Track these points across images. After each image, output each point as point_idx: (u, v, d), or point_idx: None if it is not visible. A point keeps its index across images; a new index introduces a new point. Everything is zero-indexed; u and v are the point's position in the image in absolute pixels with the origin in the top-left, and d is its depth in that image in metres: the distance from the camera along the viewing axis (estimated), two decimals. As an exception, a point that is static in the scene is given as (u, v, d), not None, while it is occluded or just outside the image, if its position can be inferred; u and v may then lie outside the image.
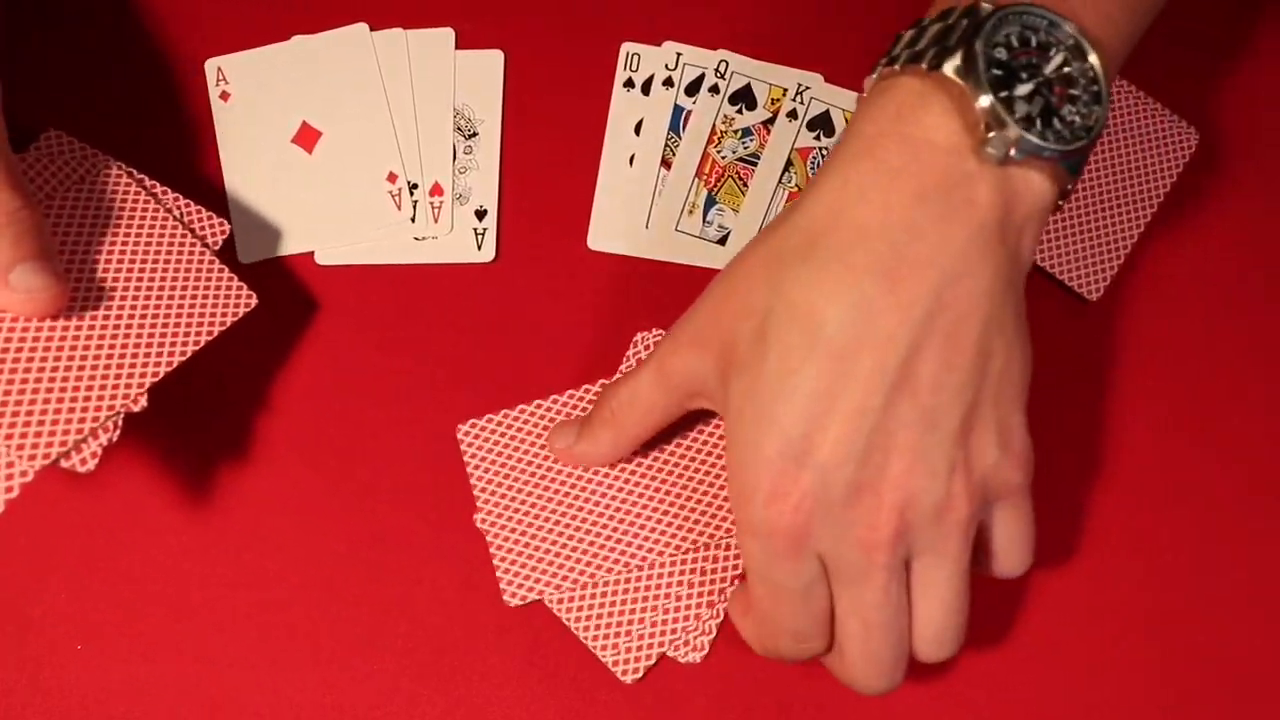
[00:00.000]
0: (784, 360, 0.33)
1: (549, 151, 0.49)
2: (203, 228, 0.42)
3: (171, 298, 0.40)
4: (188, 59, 0.49)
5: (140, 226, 0.41)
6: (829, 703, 0.43)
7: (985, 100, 0.33)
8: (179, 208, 0.42)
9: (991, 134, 0.33)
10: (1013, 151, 0.33)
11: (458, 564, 0.44)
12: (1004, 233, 0.34)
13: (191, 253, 0.41)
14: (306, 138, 0.48)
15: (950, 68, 0.33)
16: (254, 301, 0.41)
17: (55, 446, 0.36)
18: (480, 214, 0.48)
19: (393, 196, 0.47)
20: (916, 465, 0.33)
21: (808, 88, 0.50)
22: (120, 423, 0.37)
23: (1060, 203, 0.36)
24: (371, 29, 0.49)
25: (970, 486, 0.34)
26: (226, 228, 0.43)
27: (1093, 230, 0.48)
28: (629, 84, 0.50)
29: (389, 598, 0.43)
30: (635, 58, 0.50)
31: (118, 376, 0.38)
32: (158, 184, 0.43)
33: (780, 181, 0.49)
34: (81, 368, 0.37)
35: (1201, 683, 0.44)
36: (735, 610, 0.40)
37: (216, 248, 0.43)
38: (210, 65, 0.49)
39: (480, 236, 0.48)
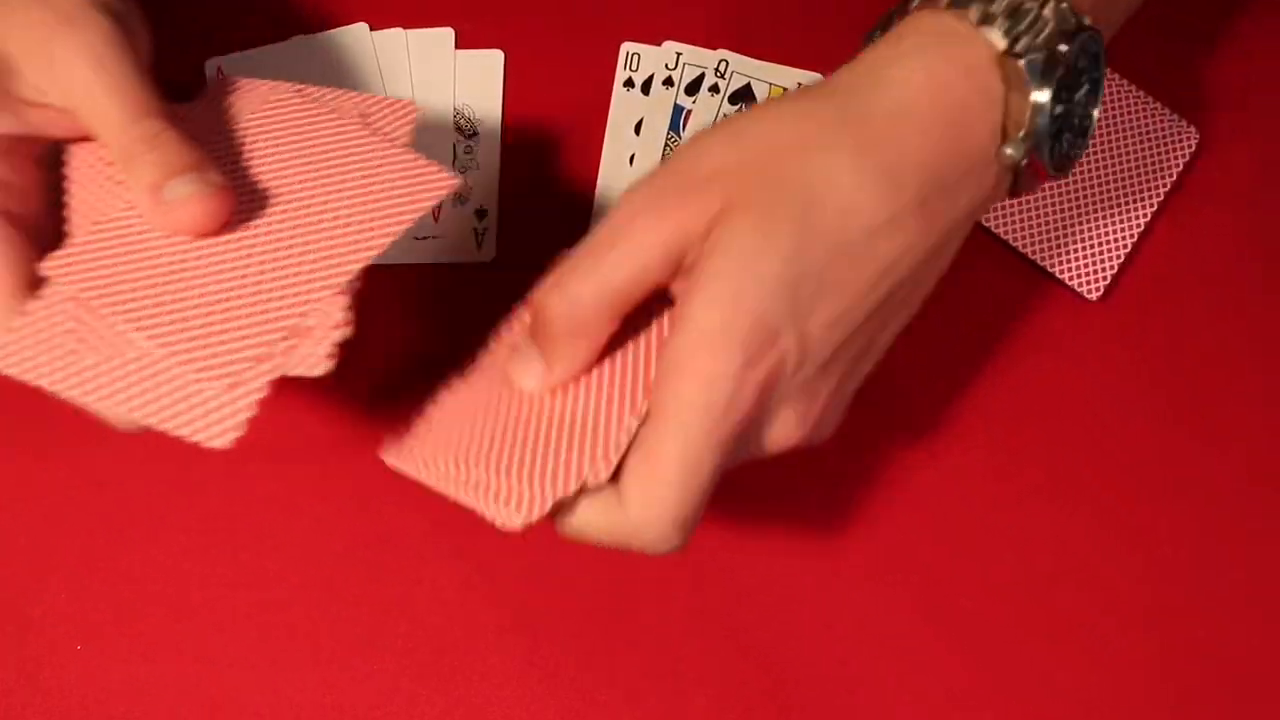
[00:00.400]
0: (807, 229, 0.32)
1: (549, 151, 0.49)
2: (384, 118, 0.40)
3: (361, 193, 0.37)
4: (188, 59, 0.49)
5: (318, 133, 0.39)
6: (829, 703, 0.43)
7: (1044, 114, 0.33)
8: (359, 105, 0.40)
9: (1024, 139, 0.34)
10: (1024, 161, 0.34)
11: (458, 564, 0.44)
12: (973, 220, 0.36)
13: (374, 148, 0.38)
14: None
15: (1028, 64, 0.33)
16: (454, 181, 0.37)
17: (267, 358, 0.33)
18: (480, 214, 0.48)
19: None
20: (840, 392, 0.34)
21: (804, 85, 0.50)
22: (350, 317, 0.35)
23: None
24: (371, 29, 0.49)
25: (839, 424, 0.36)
26: (413, 111, 0.40)
27: (1093, 230, 0.48)
28: (629, 84, 0.50)
29: (389, 598, 0.43)
30: (635, 57, 0.50)
31: (311, 274, 0.35)
32: (340, 91, 0.40)
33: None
34: (276, 274, 0.35)
35: (1201, 678, 0.44)
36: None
37: (409, 128, 0.39)
38: (210, 65, 0.49)
39: (480, 236, 0.48)
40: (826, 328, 0.32)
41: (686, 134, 0.49)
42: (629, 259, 0.33)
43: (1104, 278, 0.48)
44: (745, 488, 0.45)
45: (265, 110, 0.39)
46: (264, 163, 0.38)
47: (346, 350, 0.46)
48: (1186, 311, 0.49)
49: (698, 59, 0.50)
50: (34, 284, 0.35)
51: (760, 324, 0.31)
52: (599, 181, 0.49)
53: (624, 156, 0.49)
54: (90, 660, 0.42)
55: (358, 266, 0.35)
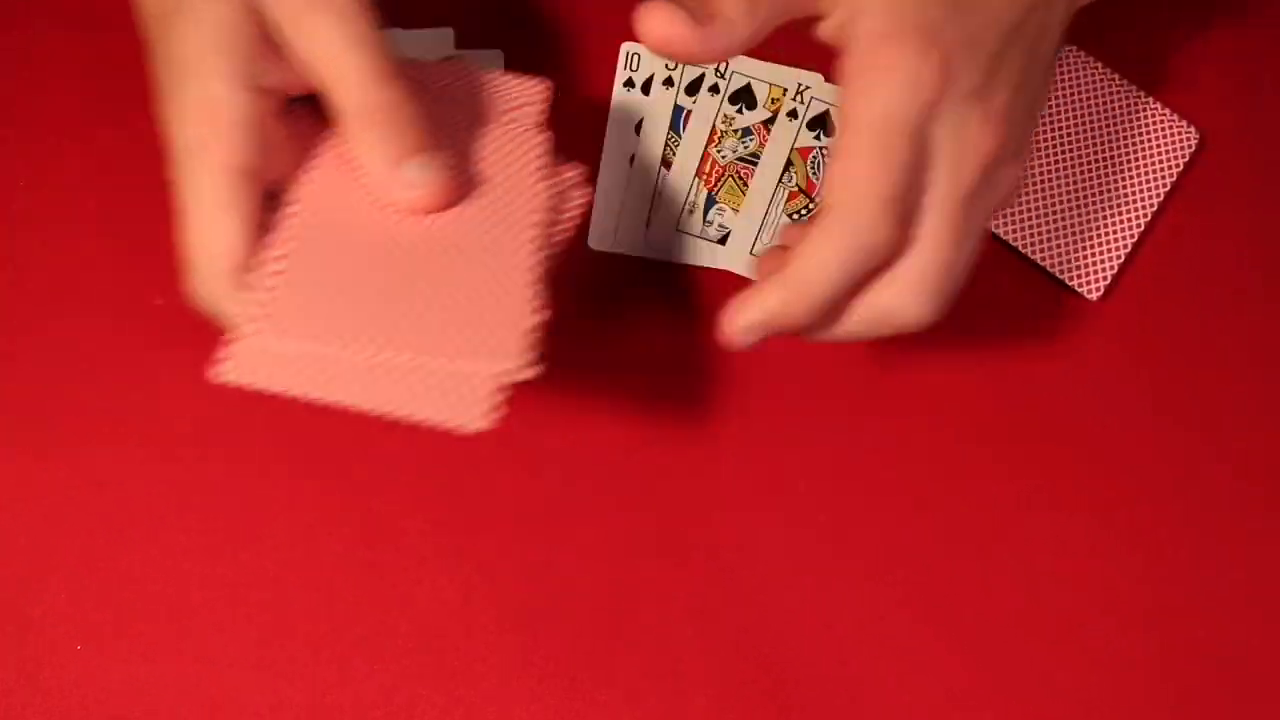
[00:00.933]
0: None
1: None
2: (516, 99, 0.40)
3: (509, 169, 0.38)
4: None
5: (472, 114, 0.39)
6: (829, 703, 0.43)
7: None
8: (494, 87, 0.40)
9: None
10: None
11: (458, 564, 0.44)
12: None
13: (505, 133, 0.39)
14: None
15: None
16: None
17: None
18: None
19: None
20: (1014, 105, 0.36)
21: (808, 87, 0.50)
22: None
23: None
24: (371, 29, 0.49)
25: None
26: (545, 92, 0.40)
27: (1093, 230, 0.48)
28: (629, 84, 0.49)
29: (389, 598, 0.43)
30: (635, 57, 0.50)
31: (503, 263, 0.35)
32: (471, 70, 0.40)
33: (780, 181, 0.49)
34: (480, 258, 0.35)
35: (1201, 678, 0.44)
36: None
37: (539, 108, 0.40)
38: None
39: None
40: (983, 32, 0.35)
41: (686, 135, 0.49)
42: None
43: (1104, 278, 0.48)
44: (746, 487, 0.45)
45: (437, 92, 0.39)
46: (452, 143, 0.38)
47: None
48: (1186, 311, 0.49)
49: None
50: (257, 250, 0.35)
51: (919, 28, 0.34)
52: (599, 182, 0.49)
53: (624, 157, 0.49)
54: (90, 660, 0.42)
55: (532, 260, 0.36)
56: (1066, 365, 0.48)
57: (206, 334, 0.46)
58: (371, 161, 0.35)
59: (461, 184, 0.37)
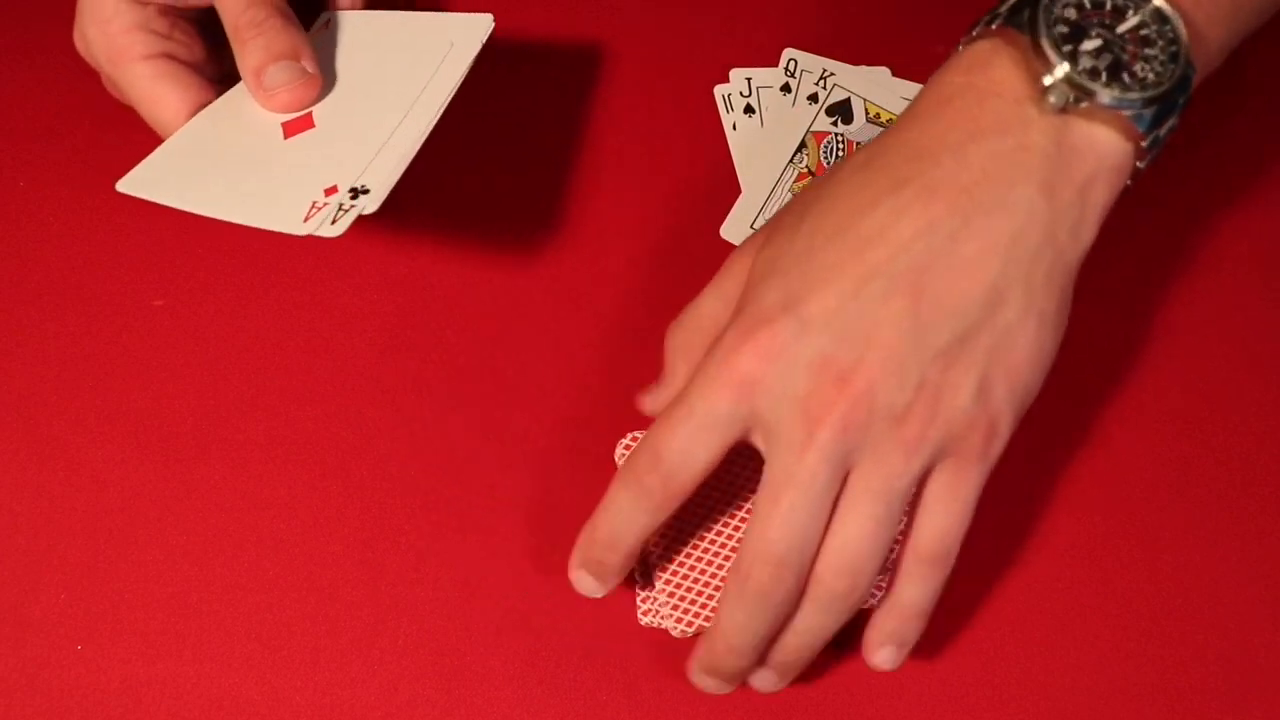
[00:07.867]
0: (811, 238, 0.35)
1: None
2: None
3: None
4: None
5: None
6: (829, 702, 0.43)
7: (1047, 49, 0.34)
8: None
9: (1050, 81, 0.34)
10: (1071, 98, 0.34)
11: (458, 564, 0.44)
12: (1055, 186, 0.34)
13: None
14: (297, 124, 0.44)
15: (1017, 22, 0.35)
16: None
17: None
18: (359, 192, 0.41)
19: (315, 206, 0.41)
20: (889, 364, 0.33)
21: (832, 74, 0.50)
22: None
23: (1139, 165, 0.36)
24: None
25: (931, 411, 0.34)
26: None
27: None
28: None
29: (389, 598, 0.43)
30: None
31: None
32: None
33: (792, 161, 0.49)
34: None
35: (1202, 678, 0.44)
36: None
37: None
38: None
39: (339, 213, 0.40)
40: (830, 306, 0.34)
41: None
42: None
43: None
44: (746, 487, 0.45)
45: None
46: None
47: (347, 350, 0.46)
48: (1188, 310, 0.48)
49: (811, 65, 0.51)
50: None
51: (761, 310, 0.35)
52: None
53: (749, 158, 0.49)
54: (90, 660, 0.42)
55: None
56: (1064, 365, 0.47)
57: (206, 335, 0.46)
58: (243, 72, 0.42)
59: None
